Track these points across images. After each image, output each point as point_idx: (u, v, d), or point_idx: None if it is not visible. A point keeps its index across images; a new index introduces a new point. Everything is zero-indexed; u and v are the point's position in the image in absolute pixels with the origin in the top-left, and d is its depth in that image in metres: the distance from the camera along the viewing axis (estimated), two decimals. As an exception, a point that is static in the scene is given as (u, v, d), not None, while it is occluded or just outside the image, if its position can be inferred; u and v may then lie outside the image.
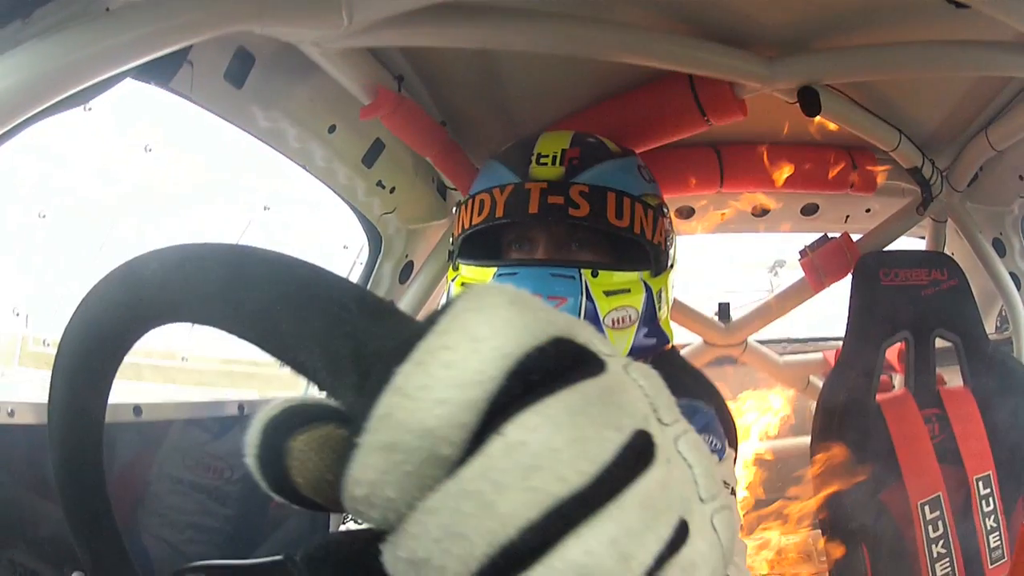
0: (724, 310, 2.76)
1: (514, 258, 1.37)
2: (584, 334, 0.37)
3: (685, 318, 2.66)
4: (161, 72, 1.32)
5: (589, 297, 1.28)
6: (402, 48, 1.68)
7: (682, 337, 2.59)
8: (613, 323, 1.30)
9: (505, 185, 1.36)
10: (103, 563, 0.63)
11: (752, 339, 2.78)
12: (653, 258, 1.37)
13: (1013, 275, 2.51)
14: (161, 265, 0.48)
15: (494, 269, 1.33)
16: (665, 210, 1.43)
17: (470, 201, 1.40)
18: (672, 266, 1.44)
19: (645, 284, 1.35)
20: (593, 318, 1.28)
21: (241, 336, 0.43)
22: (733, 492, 1.33)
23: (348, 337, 0.39)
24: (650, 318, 1.36)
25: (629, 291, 1.32)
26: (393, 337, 0.37)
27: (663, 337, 1.41)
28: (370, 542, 0.36)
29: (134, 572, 0.65)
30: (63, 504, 0.61)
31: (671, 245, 1.43)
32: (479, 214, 1.37)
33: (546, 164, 1.37)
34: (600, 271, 1.30)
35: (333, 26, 1.30)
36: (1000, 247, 2.53)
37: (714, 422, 1.39)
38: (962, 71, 1.81)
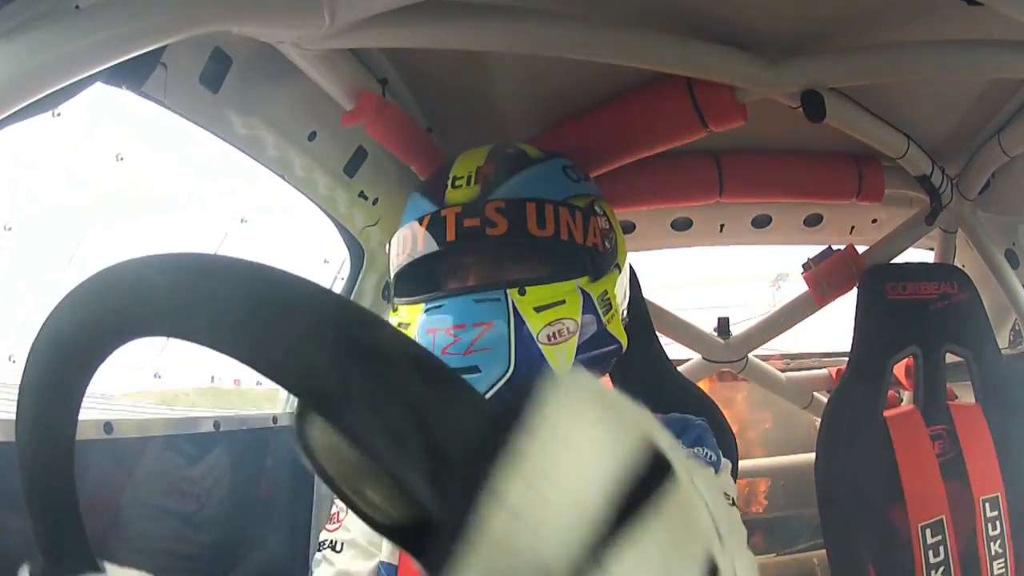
0: (723, 325, 2.70)
1: (449, 288, 1.33)
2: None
3: (682, 334, 2.60)
4: (133, 75, 1.27)
5: (518, 316, 1.24)
6: (386, 50, 1.63)
7: (679, 354, 2.53)
8: (548, 339, 1.25)
9: (423, 216, 1.32)
10: (64, 549, 0.61)
11: (753, 355, 2.71)
12: (589, 262, 1.32)
13: None
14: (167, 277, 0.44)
15: (422, 306, 1.29)
16: (599, 209, 1.36)
17: (396, 238, 1.37)
18: (618, 266, 1.39)
19: (583, 291, 1.30)
20: (527, 338, 1.23)
21: (254, 367, 0.40)
22: (734, 503, 1.29)
23: (408, 408, 0.36)
24: (592, 326, 1.31)
25: (564, 302, 1.27)
26: (466, 421, 0.35)
27: (612, 342, 1.35)
28: None
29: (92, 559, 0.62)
30: (33, 525, 0.60)
31: (612, 245, 1.37)
32: (403, 251, 1.34)
33: (461, 186, 1.33)
34: (528, 287, 1.26)
35: (314, 26, 1.24)
36: (1013, 258, 2.48)
37: (707, 434, 1.36)
38: (974, 73, 1.76)
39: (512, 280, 1.28)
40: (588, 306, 1.30)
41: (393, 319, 1.37)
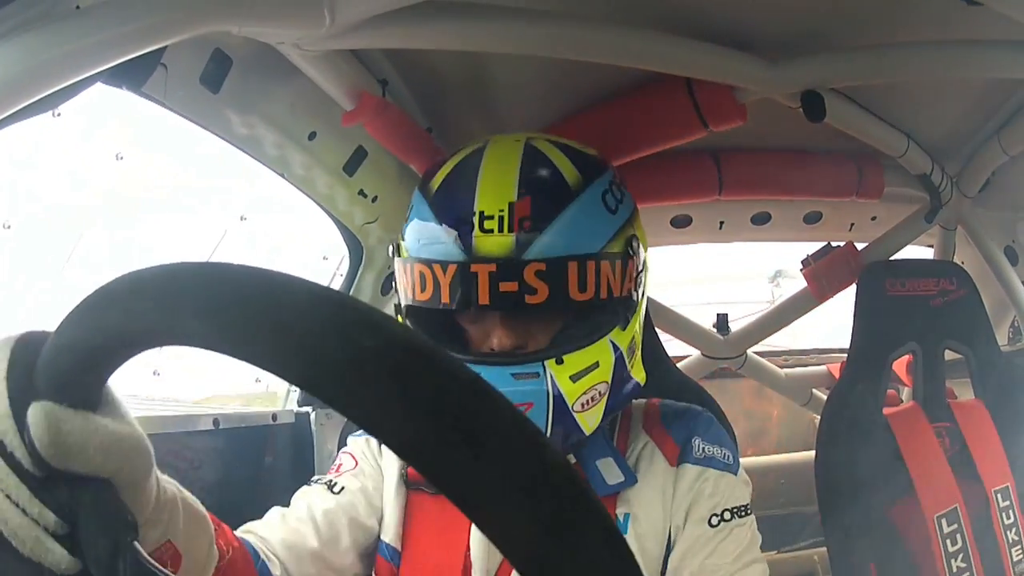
0: (722, 321, 2.70)
1: (477, 350, 1.22)
2: None
3: (681, 330, 2.61)
4: (133, 75, 1.26)
5: (556, 390, 1.16)
6: (386, 51, 1.63)
7: (678, 350, 2.53)
8: (583, 406, 1.18)
9: (447, 263, 1.16)
10: None
11: (752, 352, 2.71)
12: (622, 313, 1.23)
13: None
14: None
15: None
16: (635, 244, 1.24)
17: (409, 268, 1.21)
18: (641, 304, 1.30)
19: (613, 346, 1.22)
20: (562, 409, 1.16)
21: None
22: (750, 511, 1.28)
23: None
24: (620, 380, 1.24)
25: (597, 365, 1.20)
26: None
27: (635, 385, 1.29)
28: None
29: None
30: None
31: (642, 282, 1.28)
32: (422, 290, 1.18)
33: (491, 230, 1.15)
34: (565, 356, 1.17)
35: (315, 26, 1.24)
36: (1012, 255, 2.49)
37: (720, 430, 1.36)
38: (974, 73, 1.77)
39: (549, 351, 1.18)
40: (619, 360, 1.23)
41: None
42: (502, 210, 1.16)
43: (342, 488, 1.28)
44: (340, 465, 1.35)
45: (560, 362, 1.17)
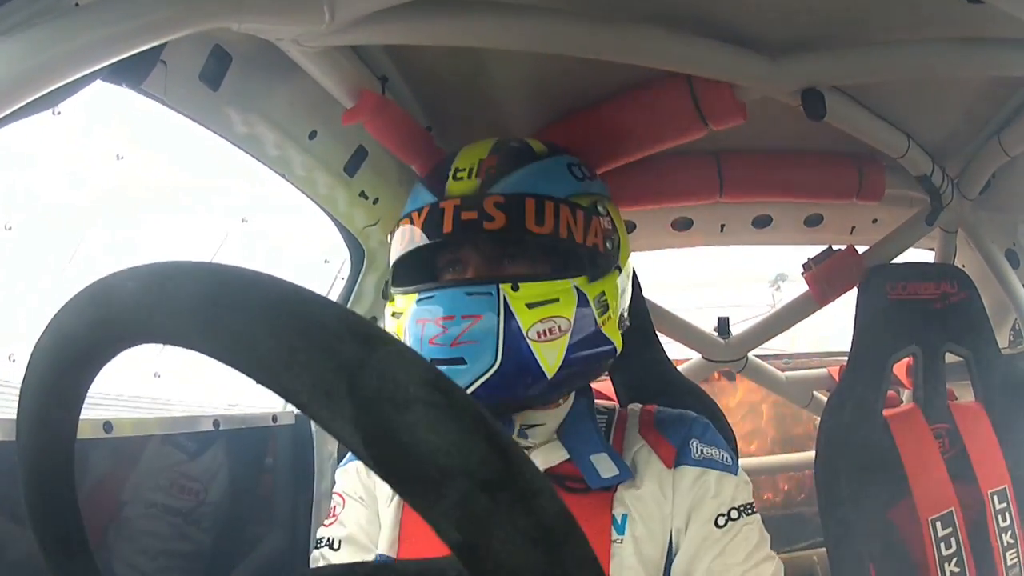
0: (723, 325, 2.70)
1: (446, 279, 1.32)
2: None
3: (682, 334, 2.60)
4: (133, 73, 1.26)
5: (509, 311, 1.22)
6: (386, 48, 1.62)
7: (679, 353, 2.53)
8: (539, 335, 1.23)
9: (423, 207, 1.31)
10: None
11: (752, 355, 2.71)
12: (588, 262, 1.30)
13: None
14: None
15: (415, 296, 1.28)
16: (603, 209, 1.34)
17: (396, 229, 1.36)
18: (619, 268, 1.36)
19: (578, 291, 1.27)
20: (516, 333, 1.21)
21: None
22: (754, 509, 1.29)
23: None
24: (585, 326, 1.28)
25: (558, 300, 1.25)
26: None
27: (605, 343, 1.33)
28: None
29: None
30: (32, 524, 0.61)
31: (613, 246, 1.35)
32: (401, 241, 1.34)
33: (462, 178, 1.32)
34: (521, 283, 1.24)
35: (314, 23, 1.23)
36: (1014, 258, 2.49)
37: (716, 433, 1.36)
38: (976, 72, 1.76)
39: (506, 275, 1.27)
40: (583, 306, 1.28)
41: (388, 309, 1.37)
42: (473, 164, 1.33)
43: (340, 541, 1.34)
44: (334, 508, 1.39)
45: (516, 288, 1.23)
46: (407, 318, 1.28)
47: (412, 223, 1.32)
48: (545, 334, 1.23)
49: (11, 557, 1.23)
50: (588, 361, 1.30)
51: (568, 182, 1.34)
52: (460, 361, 1.20)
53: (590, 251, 1.30)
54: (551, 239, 1.26)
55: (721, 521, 1.24)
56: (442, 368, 1.21)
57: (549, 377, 1.24)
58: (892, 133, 2.00)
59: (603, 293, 1.31)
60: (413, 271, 1.35)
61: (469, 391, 1.19)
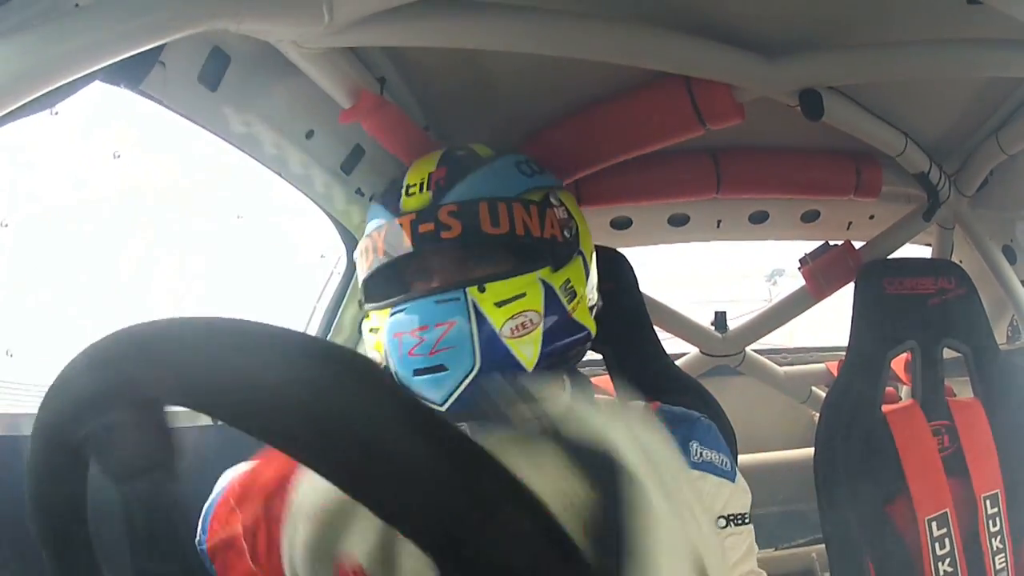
0: (720, 319, 2.71)
1: (415, 291, 1.34)
2: None
3: (679, 328, 2.61)
4: (132, 73, 1.25)
5: (479, 313, 1.25)
6: (385, 49, 1.62)
7: (676, 348, 2.54)
8: (512, 332, 1.27)
9: (381, 226, 1.35)
10: None
11: (750, 349, 2.72)
12: (549, 253, 1.33)
13: None
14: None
15: (388, 310, 1.31)
16: (555, 200, 1.38)
17: (359, 250, 1.40)
18: (581, 254, 1.40)
19: (544, 283, 1.31)
20: (490, 333, 1.25)
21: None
22: (750, 519, 1.30)
23: None
24: (557, 315, 1.32)
25: (525, 295, 1.29)
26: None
27: (579, 330, 1.36)
28: None
29: None
30: (37, 532, 0.62)
31: (572, 234, 1.38)
32: (366, 261, 1.37)
33: (414, 194, 1.35)
34: (488, 284, 1.27)
35: (313, 24, 1.24)
36: (1011, 254, 2.50)
37: (718, 436, 1.36)
38: (974, 72, 1.76)
39: (471, 279, 1.29)
40: (551, 296, 1.31)
41: (365, 325, 1.39)
42: (423, 179, 1.36)
43: None
44: None
45: (482, 290, 1.27)
46: (383, 333, 1.30)
47: (372, 242, 1.36)
48: (518, 329, 1.27)
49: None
50: (565, 349, 1.34)
51: (517, 180, 1.37)
52: (441, 368, 1.23)
53: (549, 242, 1.33)
54: (508, 237, 1.29)
55: None
56: (425, 377, 1.22)
57: (529, 371, 1.27)
58: (890, 132, 2.01)
59: (568, 280, 1.34)
60: (383, 288, 1.37)
61: (455, 396, 1.23)
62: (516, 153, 1.44)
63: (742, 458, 1.79)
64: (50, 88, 0.90)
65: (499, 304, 1.26)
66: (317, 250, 2.12)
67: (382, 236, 1.34)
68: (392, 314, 1.29)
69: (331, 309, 2.05)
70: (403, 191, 1.36)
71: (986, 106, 2.07)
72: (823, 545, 2.21)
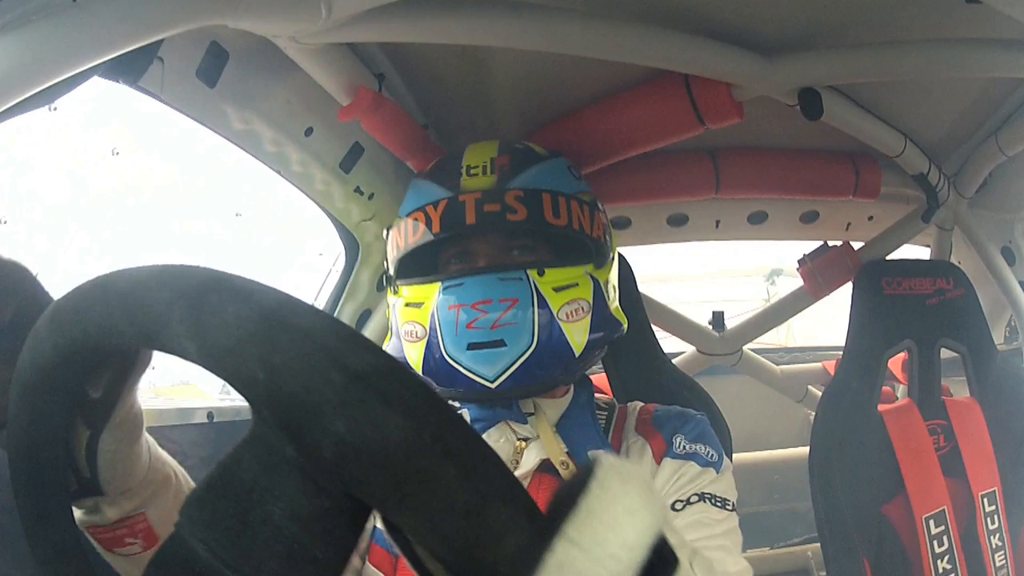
0: (718, 319, 2.71)
1: (476, 267, 1.37)
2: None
3: (677, 327, 2.61)
4: (130, 69, 1.25)
5: (540, 295, 1.31)
6: (383, 45, 1.62)
7: (674, 346, 2.54)
8: (567, 316, 1.33)
9: (438, 201, 1.38)
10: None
11: (747, 349, 2.72)
12: (595, 252, 1.40)
13: (1023, 284, 2.47)
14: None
15: (438, 285, 1.34)
16: (600, 206, 1.47)
17: (403, 223, 1.41)
18: (613, 259, 1.47)
19: (592, 277, 1.38)
20: (548, 315, 1.31)
21: None
22: (733, 508, 1.30)
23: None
24: (601, 308, 1.39)
25: (578, 284, 1.35)
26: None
27: (617, 324, 1.44)
28: None
29: None
30: (23, 519, 0.63)
31: (609, 238, 1.47)
32: (414, 234, 1.39)
33: (476, 175, 1.40)
34: (546, 269, 1.33)
35: (311, 19, 1.23)
36: (1009, 256, 2.51)
37: (708, 429, 1.38)
38: (973, 72, 1.76)
39: (532, 262, 1.35)
40: (597, 290, 1.38)
41: (395, 300, 1.41)
42: (485, 162, 1.41)
43: None
44: None
45: (542, 274, 1.32)
46: (434, 305, 1.32)
47: (427, 216, 1.37)
48: (573, 315, 1.33)
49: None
50: (604, 339, 1.40)
51: (571, 181, 1.45)
52: (500, 343, 1.27)
53: (596, 242, 1.41)
54: (567, 230, 1.36)
55: (678, 506, 1.26)
56: (481, 352, 1.25)
57: (577, 355, 1.33)
58: (889, 132, 2.01)
59: (608, 279, 1.43)
60: (427, 262, 1.41)
61: (508, 372, 1.27)
62: (565, 157, 1.51)
63: (737, 456, 1.80)
64: (49, 84, 0.90)
65: (556, 289, 1.32)
66: (316, 248, 2.13)
67: (438, 211, 1.36)
68: (444, 288, 1.32)
69: (329, 306, 2.05)
70: (463, 170, 1.41)
71: (985, 107, 2.08)
72: (819, 544, 2.21)
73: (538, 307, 1.30)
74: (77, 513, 0.73)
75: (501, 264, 1.36)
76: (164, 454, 0.80)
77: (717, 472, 1.31)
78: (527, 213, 1.34)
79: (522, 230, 1.37)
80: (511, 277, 1.32)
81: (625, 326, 1.46)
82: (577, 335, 1.33)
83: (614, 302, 1.46)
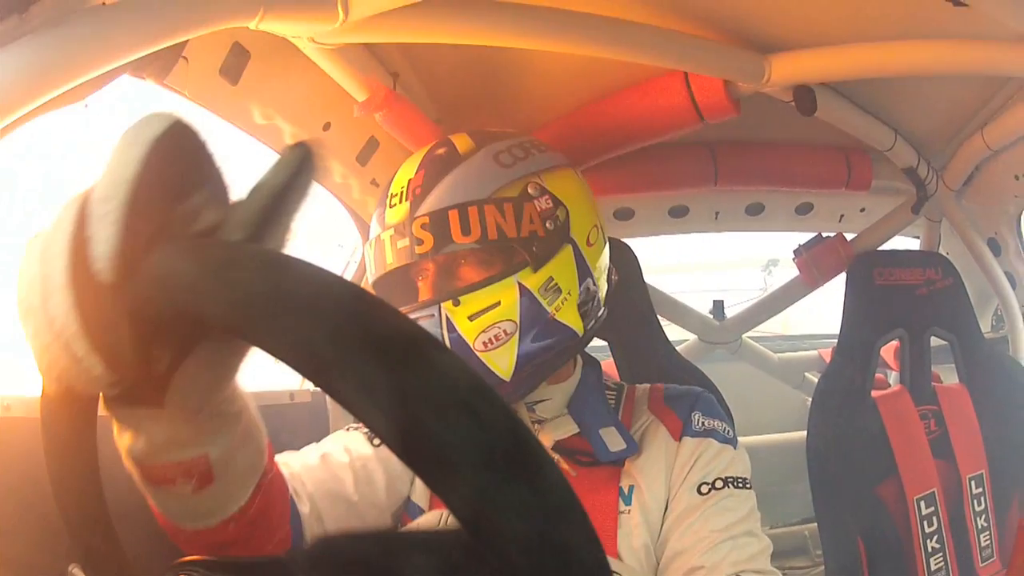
0: (718, 307, 2.78)
1: (402, 307, 1.28)
2: None
3: (679, 316, 2.68)
4: (157, 68, 1.30)
5: (452, 329, 1.24)
6: (398, 45, 1.66)
7: (676, 334, 2.60)
8: (484, 346, 1.24)
9: (373, 239, 1.33)
10: (97, 555, 0.65)
11: (746, 336, 2.78)
12: (526, 253, 1.26)
13: (1008, 274, 2.53)
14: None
15: None
16: (534, 191, 1.29)
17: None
18: (572, 241, 1.31)
19: (520, 286, 1.25)
20: (464, 348, 1.23)
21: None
22: (750, 485, 1.30)
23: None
24: (535, 319, 1.26)
25: (499, 303, 1.25)
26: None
27: (562, 331, 1.29)
28: (374, 543, 0.37)
29: (126, 563, 0.66)
30: (57, 497, 0.63)
31: (558, 223, 1.29)
32: (367, 271, 1.37)
33: (395, 204, 1.31)
34: (462, 296, 1.24)
35: (329, 21, 1.28)
36: (995, 246, 2.55)
37: (718, 406, 1.39)
38: (960, 70, 1.79)
39: (445, 294, 1.26)
40: (529, 301, 1.26)
41: None
42: (403, 187, 1.31)
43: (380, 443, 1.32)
44: (348, 428, 1.40)
45: (457, 303, 1.24)
46: None
47: (368, 256, 1.35)
48: (491, 342, 1.24)
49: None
50: (545, 352, 1.28)
51: (493, 176, 1.30)
52: None
53: (526, 241, 1.26)
54: (480, 244, 1.25)
55: (704, 489, 1.25)
56: None
57: (508, 380, 1.25)
58: (880, 128, 2.07)
59: (551, 279, 1.28)
60: (395, 291, 1.36)
61: None
62: (501, 139, 1.38)
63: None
64: (81, 80, 0.94)
65: (472, 317, 1.24)
66: (335, 239, 2.16)
67: (372, 251, 1.32)
68: None
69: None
70: (387, 201, 1.32)
71: (972, 104, 2.12)
72: (816, 524, 2.25)
73: (450, 344, 1.22)
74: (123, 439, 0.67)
75: (421, 301, 1.29)
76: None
77: (734, 448, 1.32)
78: (433, 241, 1.24)
79: (434, 258, 1.28)
80: (423, 315, 1.25)
81: (579, 330, 1.31)
82: (501, 361, 1.24)
83: (565, 302, 1.29)
